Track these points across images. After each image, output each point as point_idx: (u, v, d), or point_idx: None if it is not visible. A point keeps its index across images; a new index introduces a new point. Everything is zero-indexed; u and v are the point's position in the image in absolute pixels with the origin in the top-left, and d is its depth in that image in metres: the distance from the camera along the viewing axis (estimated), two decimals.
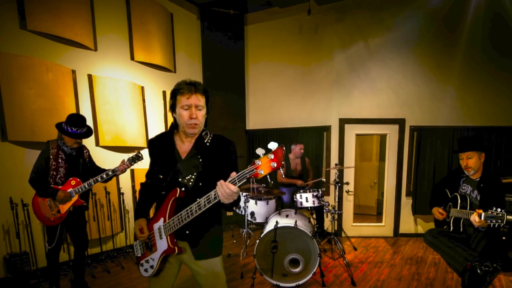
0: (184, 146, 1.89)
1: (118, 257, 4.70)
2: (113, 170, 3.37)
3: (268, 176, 1.48)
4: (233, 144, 1.89)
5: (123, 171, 3.45)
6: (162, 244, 1.86)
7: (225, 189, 1.54)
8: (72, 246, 3.85)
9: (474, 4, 5.12)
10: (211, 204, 1.64)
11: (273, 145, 1.44)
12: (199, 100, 1.77)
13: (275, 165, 1.43)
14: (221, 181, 1.56)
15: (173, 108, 1.83)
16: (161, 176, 1.87)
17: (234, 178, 1.53)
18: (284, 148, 1.45)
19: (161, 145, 1.92)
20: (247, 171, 1.49)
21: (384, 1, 5.39)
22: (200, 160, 1.83)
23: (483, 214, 2.55)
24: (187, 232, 1.83)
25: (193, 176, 1.82)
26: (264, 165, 1.44)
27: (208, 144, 1.87)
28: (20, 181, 3.71)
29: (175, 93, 1.80)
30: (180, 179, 1.83)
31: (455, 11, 5.23)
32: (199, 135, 1.88)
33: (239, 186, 1.56)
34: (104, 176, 3.33)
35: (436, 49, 5.42)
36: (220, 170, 1.75)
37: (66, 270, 4.10)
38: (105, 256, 4.63)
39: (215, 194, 1.61)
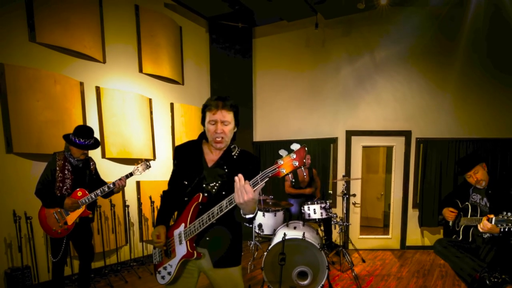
0: (211, 155, 1.89)
1: (121, 271, 4.44)
2: (108, 186, 3.19)
3: (290, 175, 1.51)
4: (258, 161, 1.90)
5: (120, 187, 3.26)
6: (181, 249, 1.81)
7: (242, 184, 1.50)
8: (75, 260, 3.69)
9: (473, 15, 4.99)
10: (232, 206, 1.60)
11: (295, 146, 1.46)
12: (224, 116, 1.76)
13: (297, 163, 1.43)
14: (240, 175, 1.53)
15: (203, 122, 1.85)
16: (186, 182, 1.86)
17: (257, 177, 1.50)
18: (306, 149, 1.45)
19: (189, 152, 1.93)
20: (269, 170, 1.48)
21: (390, 16, 5.29)
22: (226, 170, 1.83)
23: (493, 218, 2.51)
24: (207, 238, 1.80)
25: (217, 184, 1.82)
26: (286, 164, 1.45)
27: (235, 157, 1.87)
28: (24, 194, 3.51)
29: (204, 109, 1.82)
30: (204, 185, 1.82)
31: (458, 23, 5.12)
32: (228, 148, 1.88)
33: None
34: (106, 189, 3.18)
35: (441, 62, 5.31)
36: None
37: (68, 285, 3.85)
38: (108, 270, 4.37)
39: None
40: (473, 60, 5.19)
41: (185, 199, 1.84)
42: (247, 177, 1.72)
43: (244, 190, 1.50)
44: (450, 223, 3.32)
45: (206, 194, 1.79)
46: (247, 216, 1.63)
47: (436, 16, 5.21)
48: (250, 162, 1.85)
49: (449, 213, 3.23)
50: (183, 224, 1.81)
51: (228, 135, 1.79)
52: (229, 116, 1.77)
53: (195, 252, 1.77)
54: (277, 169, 1.46)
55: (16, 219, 3.38)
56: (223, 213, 1.64)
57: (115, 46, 4.52)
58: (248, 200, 1.50)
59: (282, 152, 1.49)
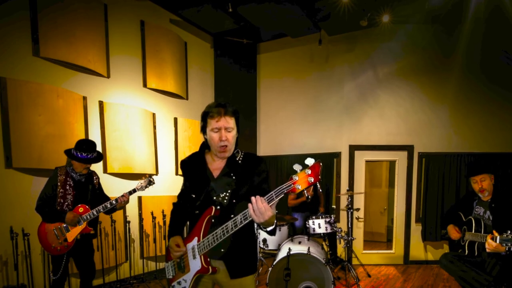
0: (216, 163, 1.79)
1: None
2: (110, 203, 3.02)
3: (305, 191, 1.43)
4: (264, 162, 1.80)
5: (122, 203, 3.09)
6: (195, 264, 1.74)
7: (260, 205, 1.44)
8: (75, 278, 3.49)
9: (470, 29, 4.92)
10: (247, 221, 1.55)
11: (310, 161, 1.41)
12: (228, 122, 1.68)
13: (312, 180, 1.38)
14: (257, 196, 1.46)
15: (203, 130, 1.77)
16: (194, 196, 1.78)
17: (272, 193, 1.44)
18: (321, 164, 1.40)
19: (193, 165, 1.85)
20: (284, 186, 1.42)
21: (391, 33, 5.21)
22: (233, 177, 1.74)
23: (498, 237, 2.41)
24: (222, 250, 1.72)
25: (227, 194, 1.73)
26: (301, 180, 1.39)
27: (240, 161, 1.78)
28: (23, 210, 3.30)
29: (205, 116, 1.73)
30: (214, 198, 1.74)
31: (456, 39, 5.08)
32: (232, 154, 1.78)
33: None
34: (108, 205, 3.01)
35: (442, 78, 5.26)
36: (253, 187, 1.71)
37: None
38: None
39: None
40: (473, 76, 5.14)
41: (196, 212, 1.77)
42: (257, 181, 1.72)
43: (264, 209, 1.44)
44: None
45: (218, 207, 1.71)
46: (268, 229, 1.60)
47: (436, 33, 5.17)
48: (257, 164, 1.77)
49: (454, 233, 3.13)
50: (196, 238, 1.74)
51: (232, 142, 1.72)
52: (232, 122, 1.71)
53: (210, 267, 1.71)
54: (292, 185, 1.40)
55: (13, 236, 3.15)
56: (237, 228, 1.57)
57: (120, 60, 4.37)
58: (268, 217, 1.46)
59: (297, 167, 1.44)
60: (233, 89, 6.01)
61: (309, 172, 1.39)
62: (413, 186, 5.48)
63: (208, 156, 1.83)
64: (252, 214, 1.46)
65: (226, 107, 1.69)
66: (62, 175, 2.94)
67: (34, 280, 3.44)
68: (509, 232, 2.37)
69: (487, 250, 2.51)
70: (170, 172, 5.12)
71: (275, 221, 1.60)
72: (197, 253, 1.73)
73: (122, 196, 3.08)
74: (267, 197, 1.45)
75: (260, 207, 1.44)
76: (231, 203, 1.71)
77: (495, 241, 2.42)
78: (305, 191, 1.43)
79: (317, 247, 3.76)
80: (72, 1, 3.76)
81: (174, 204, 1.98)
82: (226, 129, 1.68)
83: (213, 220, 1.70)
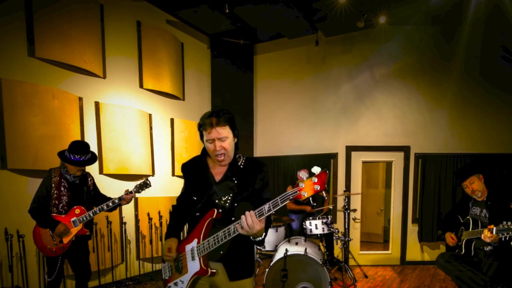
0: (217, 168, 1.81)
1: None
2: (119, 198, 3.03)
3: (310, 199, 1.31)
4: (265, 167, 1.81)
5: (129, 201, 3.10)
6: (194, 266, 1.75)
7: (249, 221, 1.50)
8: (70, 280, 3.47)
9: (469, 33, 4.95)
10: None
11: (316, 169, 1.45)
12: (220, 133, 1.68)
13: (319, 188, 1.41)
14: (246, 212, 1.52)
15: (202, 140, 1.79)
16: (195, 198, 1.80)
17: (277, 198, 1.47)
18: (327, 172, 1.43)
19: (195, 168, 1.87)
20: (291, 192, 1.45)
21: (388, 34, 5.22)
22: (235, 181, 1.75)
23: (494, 228, 2.54)
24: (221, 252, 1.72)
25: (229, 198, 1.75)
26: (307, 187, 1.43)
27: (241, 166, 1.80)
28: (18, 211, 3.28)
29: (199, 127, 1.76)
30: (216, 201, 1.75)
31: (455, 41, 5.08)
32: (233, 159, 1.79)
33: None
34: (110, 204, 3.01)
35: (439, 80, 5.27)
36: (254, 191, 1.74)
37: None
38: None
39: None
40: (470, 78, 5.15)
41: (197, 214, 1.77)
42: (258, 186, 1.74)
43: (253, 224, 1.50)
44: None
45: (220, 210, 1.72)
46: (256, 239, 1.63)
47: (435, 34, 5.19)
48: (258, 170, 1.78)
49: (449, 239, 3.20)
50: (195, 240, 1.74)
51: (229, 149, 1.72)
52: (225, 131, 1.69)
53: (209, 269, 1.71)
54: (298, 192, 1.44)
55: (8, 238, 3.14)
56: (235, 234, 1.60)
57: (116, 61, 4.36)
58: (257, 231, 1.52)
59: (303, 174, 1.45)
60: (229, 90, 6.01)
61: (316, 180, 1.42)
62: (410, 187, 5.49)
63: (210, 160, 1.84)
64: (243, 229, 1.53)
65: (219, 116, 1.68)
66: (56, 177, 2.92)
67: (29, 282, 3.42)
68: (504, 222, 2.48)
69: (483, 238, 2.62)
70: (167, 173, 5.11)
71: (263, 232, 1.63)
72: (196, 255, 1.73)
73: (127, 194, 3.08)
74: (272, 202, 1.48)
75: (250, 223, 1.50)
76: (232, 207, 1.73)
77: (492, 233, 2.52)
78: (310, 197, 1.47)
79: (314, 248, 3.76)
80: (68, 2, 3.75)
81: (173, 206, 1.99)
82: (219, 139, 1.69)
83: (216, 223, 1.73)
